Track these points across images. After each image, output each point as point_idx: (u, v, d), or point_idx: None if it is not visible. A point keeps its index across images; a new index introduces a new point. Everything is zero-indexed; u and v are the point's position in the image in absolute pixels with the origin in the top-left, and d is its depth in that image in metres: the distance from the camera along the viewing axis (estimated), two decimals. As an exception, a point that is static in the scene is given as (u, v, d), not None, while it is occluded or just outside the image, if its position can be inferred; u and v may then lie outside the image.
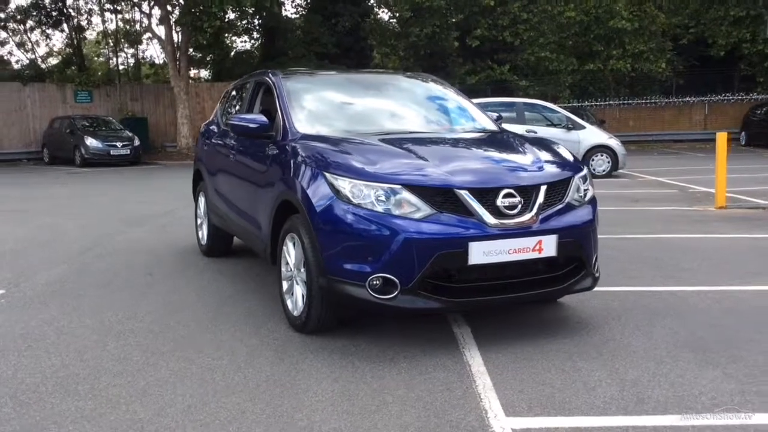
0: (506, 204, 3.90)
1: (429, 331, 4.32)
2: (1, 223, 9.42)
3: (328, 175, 4.02)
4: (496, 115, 5.76)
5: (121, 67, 32.91)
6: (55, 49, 32.09)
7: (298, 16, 31.79)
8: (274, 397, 3.39)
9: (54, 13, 28.40)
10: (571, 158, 4.56)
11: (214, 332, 4.41)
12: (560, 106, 25.24)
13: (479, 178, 3.99)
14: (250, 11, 24.99)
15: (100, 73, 30.25)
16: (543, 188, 4.05)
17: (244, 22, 29.73)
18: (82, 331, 4.47)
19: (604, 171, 15.11)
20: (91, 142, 21.14)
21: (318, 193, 4.04)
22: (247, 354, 4.01)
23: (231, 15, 25.59)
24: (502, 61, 28.37)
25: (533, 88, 29.52)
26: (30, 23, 28.76)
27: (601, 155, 15.21)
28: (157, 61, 34.61)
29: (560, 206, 4.12)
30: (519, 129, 14.77)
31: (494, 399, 3.34)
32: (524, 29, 27.35)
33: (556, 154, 4.58)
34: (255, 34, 31.55)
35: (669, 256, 6.53)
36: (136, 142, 22.04)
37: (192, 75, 31.94)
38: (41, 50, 31.31)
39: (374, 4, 32.81)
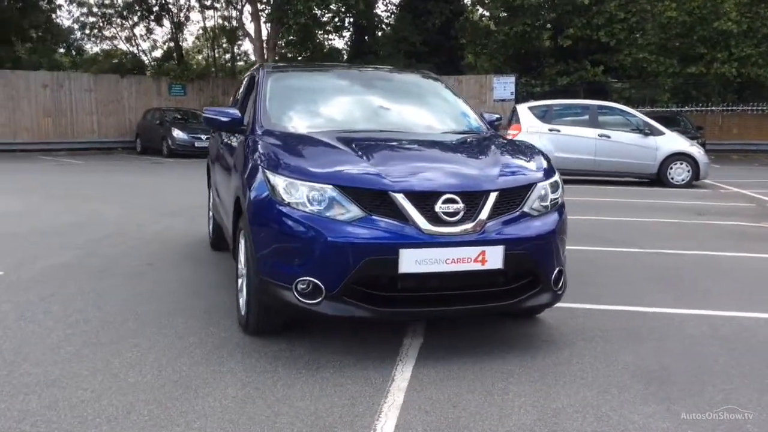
0: (446, 210, 3.63)
1: (377, 341, 4.10)
2: (53, 208, 9.85)
3: (267, 172, 3.88)
4: (496, 116, 5.42)
5: (218, 63, 33.94)
6: (158, 44, 33.38)
7: (389, 14, 31.79)
8: (170, 400, 3.28)
9: (155, 9, 29.64)
10: (542, 165, 4.22)
11: (163, 327, 4.37)
12: (655, 110, 24.23)
13: (419, 182, 3.74)
14: (334, 8, 25.16)
15: (195, 67, 31.36)
16: (493, 195, 3.75)
17: (336, 20, 30.02)
18: (41, 317, 4.54)
19: (683, 180, 14.21)
20: (177, 133, 21.97)
21: (255, 189, 3.93)
22: (178, 352, 3.93)
23: (318, 12, 25.81)
24: (596, 62, 27.29)
25: (629, 91, 28.33)
26: (133, 19, 30.06)
27: (681, 163, 14.30)
28: (253, 57, 35.56)
29: (514, 215, 3.81)
30: (591, 133, 14.20)
31: (392, 419, 3.11)
32: (621, 29, 26.14)
33: (525, 160, 4.26)
34: (345, 33, 31.75)
35: (694, 275, 6.00)
36: (220, 135, 22.65)
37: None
38: (146, 45, 32.61)
39: (467, 3, 32.34)
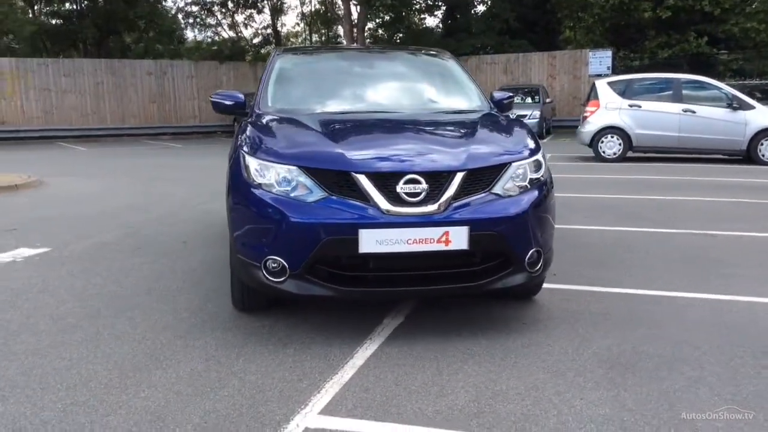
0: (407, 191, 3.63)
1: (357, 320, 4.17)
2: (130, 190, 10.49)
3: (244, 154, 4.02)
4: (507, 94, 5.28)
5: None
6: (259, 30, 34.34)
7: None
8: (133, 370, 3.49)
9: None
10: (523, 144, 4.13)
11: (165, 302, 4.62)
12: (762, 82, 22.64)
13: (382, 162, 3.76)
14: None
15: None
16: (459, 175, 3.71)
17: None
18: (61, 291, 4.91)
19: (775, 157, 13.30)
20: (268, 116, 22.61)
21: (234, 171, 4.07)
22: (165, 326, 4.16)
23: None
24: (700, 33, 25.76)
25: (737, 62, 26.63)
26: (231, 6, 31.09)
27: (773, 139, 13.37)
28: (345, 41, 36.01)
29: (482, 195, 3.76)
30: (675, 108, 13.51)
31: (329, 395, 3.18)
32: (726, -3, 24.55)
33: (506, 139, 4.19)
34: (437, 12, 31.50)
35: (726, 258, 5.68)
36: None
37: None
38: (248, 32, 33.68)
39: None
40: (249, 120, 4.58)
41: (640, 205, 8.53)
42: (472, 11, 30.65)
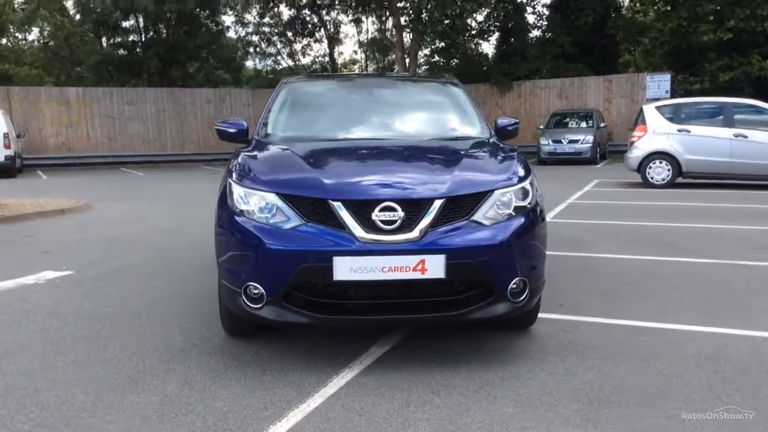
0: (383, 218, 3.61)
1: (343, 347, 4.14)
2: (169, 213, 10.77)
3: (230, 181, 4.07)
4: (512, 121, 5.18)
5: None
6: (317, 58, 34.96)
7: (537, 16, 31.01)
8: (108, 394, 3.54)
9: (310, 26, 31.16)
10: (511, 171, 4.05)
11: (162, 326, 4.69)
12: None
13: (358, 190, 3.75)
14: (479, 18, 25.05)
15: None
16: (437, 203, 3.67)
17: (478, 23, 29.84)
18: (67, 313, 5.05)
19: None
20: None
21: (221, 198, 4.14)
22: (153, 349, 4.22)
23: (454, 20, 25.81)
24: (763, 56, 24.91)
25: (804, 85, 25.59)
26: (289, 34, 31.81)
27: (832, 166, 12.76)
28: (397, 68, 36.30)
29: (461, 223, 3.70)
30: (726, 133, 13.08)
31: (289, 425, 3.15)
32: (792, 18, 23.69)
33: (492, 166, 4.14)
34: (492, 38, 31.41)
35: (757, 290, 5.42)
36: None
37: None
38: (306, 60, 34.31)
39: (622, -2, 30.84)
40: (243, 148, 4.65)
41: (679, 233, 8.24)
42: (528, 36, 30.42)
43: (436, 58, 32.71)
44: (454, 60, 31.87)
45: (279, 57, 33.94)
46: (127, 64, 27.98)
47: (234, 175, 4.10)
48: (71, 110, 25.82)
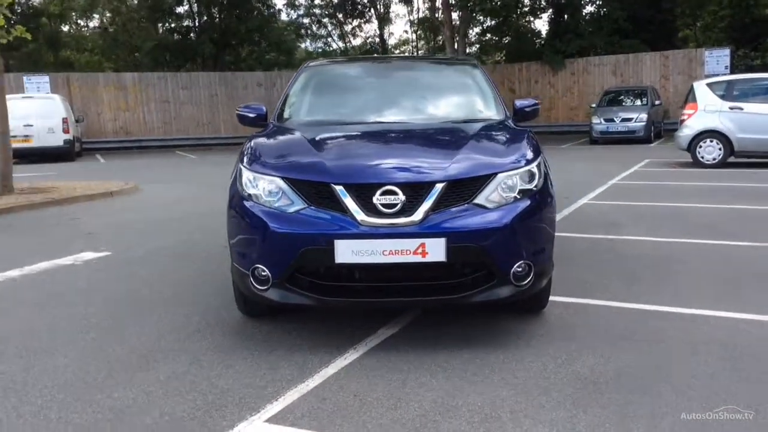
0: (383, 202, 3.65)
1: (351, 328, 4.22)
2: (212, 195, 11.00)
3: (241, 166, 4.17)
4: (531, 102, 5.10)
5: (420, 53, 34.78)
6: (369, 39, 34.91)
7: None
8: (120, 371, 3.71)
9: (359, 6, 31.14)
10: (517, 153, 4.03)
11: (184, 306, 4.85)
12: None
13: (360, 174, 3.80)
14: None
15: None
16: (439, 186, 3.69)
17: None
18: (97, 295, 5.26)
19: None
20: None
21: (231, 183, 4.23)
22: (170, 330, 4.36)
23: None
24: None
25: None
26: (339, 16, 31.85)
27: None
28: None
29: (463, 206, 3.71)
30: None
31: (284, 403, 3.23)
32: None
33: (498, 148, 4.12)
34: (541, 14, 30.77)
35: (780, 274, 5.26)
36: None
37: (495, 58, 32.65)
38: (357, 41, 34.31)
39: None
40: (258, 133, 4.74)
41: (720, 215, 8.02)
42: (581, 12, 29.73)
43: (488, 36, 32.33)
44: (507, 38, 31.41)
45: (329, 39, 34.05)
46: (181, 49, 28.53)
47: (244, 160, 4.19)
48: (128, 95, 26.54)
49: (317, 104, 5.20)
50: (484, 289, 3.76)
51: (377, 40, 33.65)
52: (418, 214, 3.64)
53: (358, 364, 3.70)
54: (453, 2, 25.52)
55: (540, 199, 3.96)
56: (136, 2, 29.96)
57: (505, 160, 3.95)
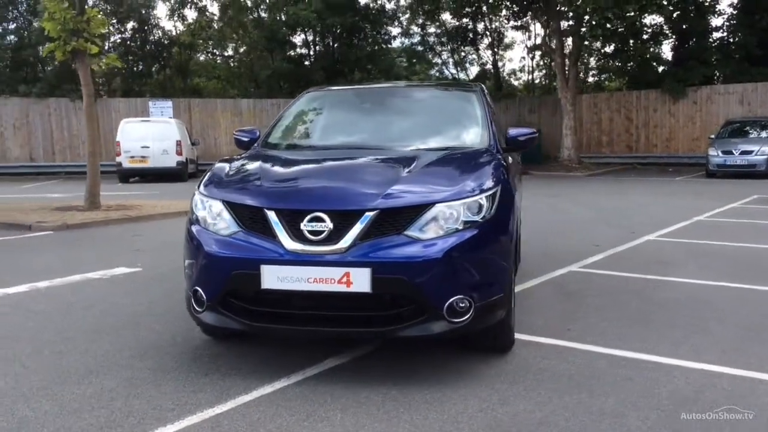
0: (310, 228, 3.57)
1: (299, 355, 4.13)
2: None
3: (196, 189, 4.22)
4: (525, 131, 4.83)
5: (536, 81, 34.17)
6: (486, 66, 34.69)
7: (717, 16, 28.48)
8: (47, 383, 3.80)
9: (470, 35, 31.08)
10: (472, 183, 3.79)
11: (164, 323, 4.95)
12: None
13: (291, 200, 3.75)
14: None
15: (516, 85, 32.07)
16: (369, 215, 3.56)
17: (657, 25, 28.00)
18: (99, 309, 5.48)
19: None
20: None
21: (190, 207, 4.28)
22: (132, 347, 4.44)
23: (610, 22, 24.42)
24: None
25: None
26: (453, 45, 31.93)
27: None
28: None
29: (393, 236, 3.56)
30: None
31: (178, 427, 3.21)
32: None
33: (449, 176, 3.90)
34: (663, 40, 29.27)
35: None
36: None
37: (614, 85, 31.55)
38: (474, 69, 34.16)
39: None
40: (232, 157, 4.79)
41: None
42: (708, 39, 28.08)
43: (608, 62, 31.22)
44: (630, 64, 30.17)
45: (443, 66, 34.17)
46: (295, 77, 29.56)
47: (200, 183, 4.24)
48: (243, 120, 27.80)
49: (300, 129, 5.22)
50: (414, 324, 3.57)
51: (491, 67, 33.39)
52: (345, 243, 3.53)
53: (280, 393, 3.61)
54: (565, 29, 24.92)
55: (488, 231, 3.73)
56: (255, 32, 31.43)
57: (449, 190, 3.75)
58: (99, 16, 11.63)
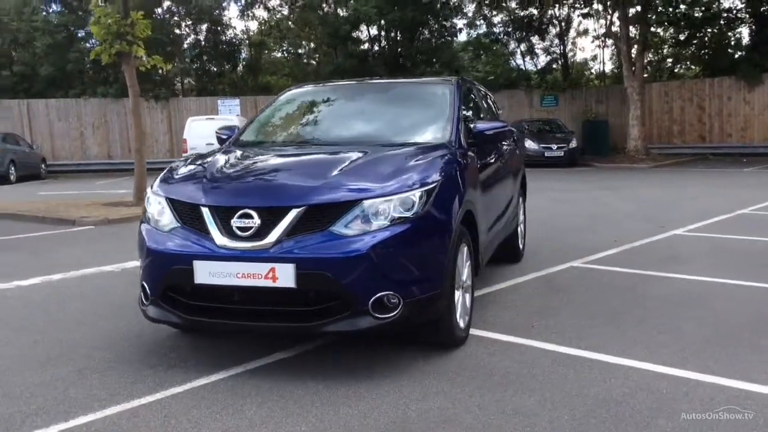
0: (239, 225, 3.65)
1: (250, 349, 4.21)
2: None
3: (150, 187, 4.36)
4: (492, 125, 4.79)
5: (607, 70, 33.15)
6: (555, 56, 33.86)
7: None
8: (4, 368, 4.04)
9: (535, 24, 30.43)
10: (406, 180, 3.78)
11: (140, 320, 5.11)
12: None
13: (223, 197, 3.84)
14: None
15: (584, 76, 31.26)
16: (294, 211, 3.61)
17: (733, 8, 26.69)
18: (88, 301, 5.73)
19: None
20: (528, 144, 22.35)
21: (146, 203, 4.43)
22: (93, 339, 4.62)
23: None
24: None
25: None
26: (519, 35, 31.35)
27: None
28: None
29: (318, 233, 3.59)
30: None
31: (89, 418, 3.31)
32: None
33: (383, 173, 3.86)
34: (739, 24, 27.78)
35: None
36: (573, 144, 22.51)
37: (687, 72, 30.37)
38: (543, 59, 33.31)
39: None
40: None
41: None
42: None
43: (679, 50, 29.97)
44: (705, 50, 28.84)
45: (511, 57, 33.56)
46: (357, 73, 29.72)
47: (154, 181, 4.38)
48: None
49: (268, 128, 5.29)
50: (339, 319, 3.59)
51: (560, 57, 32.54)
52: (271, 239, 3.59)
53: (211, 386, 3.69)
54: (632, 15, 24.05)
55: (420, 227, 3.71)
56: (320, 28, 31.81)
57: (378, 185, 3.74)
58: (142, 19, 12.03)
